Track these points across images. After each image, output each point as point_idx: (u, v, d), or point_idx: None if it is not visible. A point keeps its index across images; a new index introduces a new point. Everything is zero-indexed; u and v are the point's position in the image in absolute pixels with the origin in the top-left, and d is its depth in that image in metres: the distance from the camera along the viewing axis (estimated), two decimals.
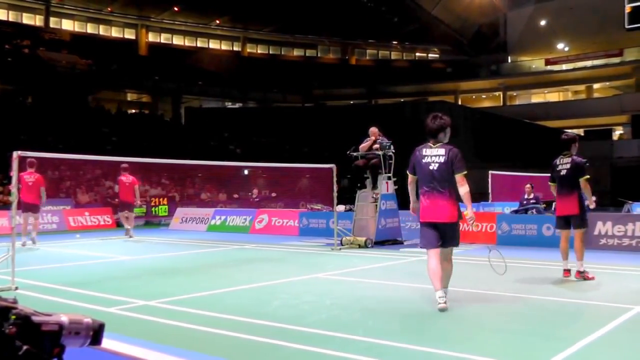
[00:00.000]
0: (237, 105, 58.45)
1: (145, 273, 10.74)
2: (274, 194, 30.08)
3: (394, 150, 15.37)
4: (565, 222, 9.40)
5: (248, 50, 63.31)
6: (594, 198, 9.51)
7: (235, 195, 29.64)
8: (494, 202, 22.82)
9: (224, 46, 62.68)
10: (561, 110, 51.44)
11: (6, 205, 19.14)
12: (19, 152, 8.88)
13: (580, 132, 51.69)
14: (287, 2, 53.08)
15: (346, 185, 23.44)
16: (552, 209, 16.98)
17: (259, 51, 64.13)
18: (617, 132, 51.96)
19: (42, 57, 44.69)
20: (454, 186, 7.12)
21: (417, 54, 67.81)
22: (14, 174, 8.77)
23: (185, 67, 54.53)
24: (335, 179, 14.80)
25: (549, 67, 56.93)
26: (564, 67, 56.23)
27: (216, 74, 55.26)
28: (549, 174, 9.71)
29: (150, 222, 24.73)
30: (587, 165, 9.41)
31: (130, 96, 54.49)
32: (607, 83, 55.32)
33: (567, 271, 9.37)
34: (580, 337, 5.62)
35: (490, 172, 23.68)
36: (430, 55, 67.53)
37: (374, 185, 15.42)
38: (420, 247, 7.48)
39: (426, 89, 58.38)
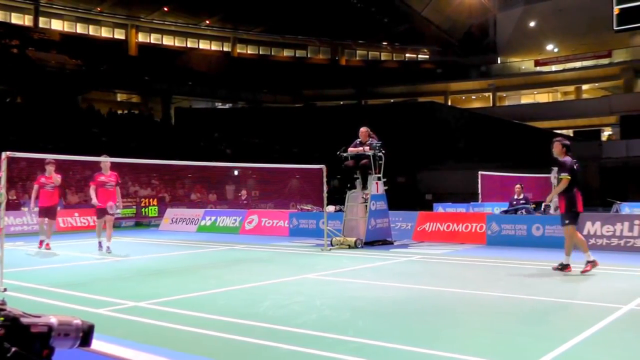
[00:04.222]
0: (227, 106, 58.38)
1: (135, 274, 10.71)
2: (256, 192, 30.10)
3: (383, 151, 15.38)
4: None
5: (238, 50, 63.21)
6: (555, 199, 10.57)
7: (229, 191, 29.66)
8: (483, 203, 22.89)
9: (214, 46, 62.57)
10: (550, 111, 51.61)
11: None
12: (8, 152, 8.83)
13: (570, 132, 51.96)
14: (277, 2, 53.05)
15: (336, 186, 23.45)
16: (542, 209, 17.11)
17: (248, 51, 64.04)
18: (606, 133, 52.19)
19: (31, 57, 44.48)
20: None
21: (407, 54, 67.89)
22: (2, 174, 8.70)
23: (175, 67, 54.42)
24: (325, 179, 14.82)
25: (538, 68, 57.12)
26: (554, 68, 56.43)
27: (206, 74, 55.18)
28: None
29: (140, 222, 24.66)
30: (575, 167, 9.91)
31: (120, 96, 54.31)
32: (596, 84, 55.56)
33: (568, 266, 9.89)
34: (569, 336, 5.65)
35: (480, 172, 23.74)
36: (420, 56, 67.62)
37: (364, 186, 15.42)
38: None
39: (416, 89, 58.44)
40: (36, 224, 20.57)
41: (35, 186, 14.93)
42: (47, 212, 14.91)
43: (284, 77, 58.35)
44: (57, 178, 14.86)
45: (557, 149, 10.27)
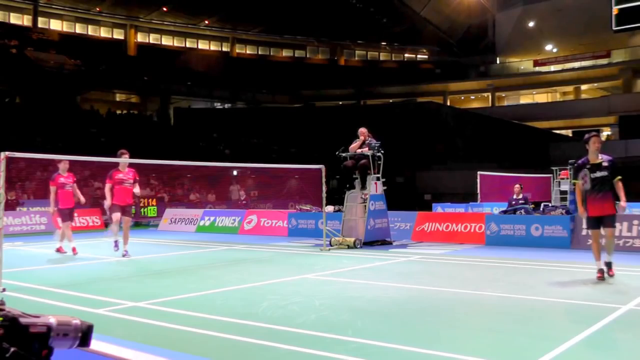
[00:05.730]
0: (226, 106, 58.37)
1: (134, 274, 10.70)
2: (255, 193, 30.10)
3: (382, 151, 15.38)
4: None
5: (237, 50, 63.20)
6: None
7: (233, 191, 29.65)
8: (482, 203, 22.90)
9: (213, 46, 62.54)
10: (549, 111, 51.67)
11: None
12: (7, 152, 8.82)
13: (569, 133, 51.99)
14: (276, 2, 53.04)
15: (335, 186, 23.47)
16: (540, 209, 17.12)
17: (247, 52, 64.03)
18: (605, 133, 52.21)
19: (30, 57, 44.45)
20: None
21: (406, 54, 67.90)
22: (1, 174, 8.68)
23: (174, 67, 54.38)
24: (324, 179, 14.81)
25: (537, 68, 57.16)
26: (552, 68, 56.47)
27: (205, 74, 55.14)
28: None
29: (139, 222, 24.63)
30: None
31: (119, 96, 54.31)
32: (595, 84, 55.61)
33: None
34: (568, 336, 5.64)
35: (478, 172, 23.75)
36: (419, 56, 67.65)
37: (363, 186, 15.42)
38: None
39: (415, 89, 58.47)
40: (35, 224, 20.57)
41: (53, 187, 13.71)
42: (71, 214, 14.22)
43: (283, 77, 58.36)
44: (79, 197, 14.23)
45: (600, 144, 9.64)
